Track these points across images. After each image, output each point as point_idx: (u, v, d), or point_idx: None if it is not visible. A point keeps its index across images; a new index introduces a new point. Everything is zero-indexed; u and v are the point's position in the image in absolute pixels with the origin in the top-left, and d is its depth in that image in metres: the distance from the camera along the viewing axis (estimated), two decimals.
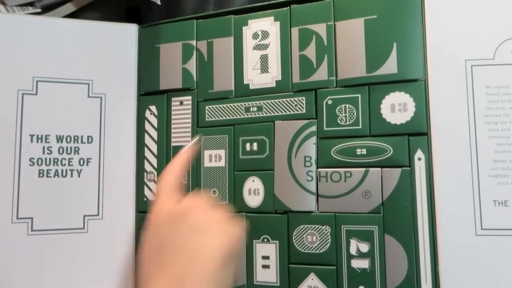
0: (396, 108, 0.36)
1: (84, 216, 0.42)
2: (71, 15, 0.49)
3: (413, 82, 0.36)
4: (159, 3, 0.43)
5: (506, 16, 0.35)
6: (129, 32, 0.45)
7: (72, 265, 0.41)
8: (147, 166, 0.43)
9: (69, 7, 0.48)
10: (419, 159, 0.35)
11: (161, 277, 0.31)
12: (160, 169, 0.43)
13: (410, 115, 0.36)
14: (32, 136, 0.41)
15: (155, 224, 0.34)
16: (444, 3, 0.36)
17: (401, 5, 0.37)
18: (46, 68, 0.42)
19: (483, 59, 0.35)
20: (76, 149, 0.42)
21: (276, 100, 0.40)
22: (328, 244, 0.37)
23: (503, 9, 0.35)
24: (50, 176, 0.41)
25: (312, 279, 0.37)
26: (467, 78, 0.35)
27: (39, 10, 0.48)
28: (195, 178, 0.41)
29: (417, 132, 0.35)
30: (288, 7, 0.40)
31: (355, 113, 0.37)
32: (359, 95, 0.37)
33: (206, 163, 0.41)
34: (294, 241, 0.38)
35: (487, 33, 0.35)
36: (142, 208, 0.43)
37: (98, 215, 0.42)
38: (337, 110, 0.38)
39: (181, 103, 0.43)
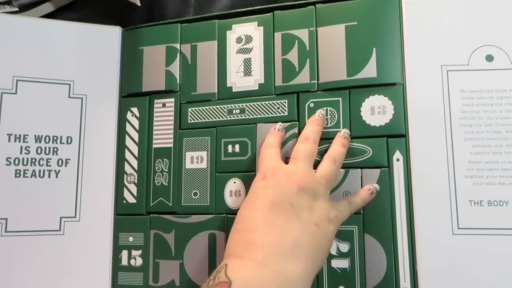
0: (376, 110, 0.37)
1: (61, 217, 0.41)
2: (49, 15, 0.48)
3: (392, 86, 0.37)
4: (139, 4, 0.43)
5: (480, 24, 0.36)
6: (112, 34, 0.45)
7: (47, 267, 0.40)
8: (127, 168, 0.43)
9: (47, 7, 0.48)
10: (398, 160, 0.36)
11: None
12: (140, 171, 0.43)
13: (389, 117, 0.36)
14: (10, 135, 0.41)
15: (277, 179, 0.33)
16: (421, 11, 0.37)
17: (380, 13, 0.38)
18: (26, 68, 0.42)
19: (458, 64, 0.36)
20: (55, 149, 0.42)
21: (259, 103, 0.40)
22: None
23: (477, 17, 0.36)
24: (27, 176, 0.41)
25: None
26: (443, 83, 0.36)
27: (17, 9, 0.47)
28: (176, 179, 0.41)
29: (395, 134, 0.36)
30: (272, 12, 0.41)
31: (336, 116, 0.38)
32: (340, 98, 0.38)
33: (188, 165, 0.41)
34: None
35: (462, 40, 0.36)
36: (121, 211, 0.42)
37: (75, 217, 0.41)
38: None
39: (164, 105, 0.43)
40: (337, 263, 0.36)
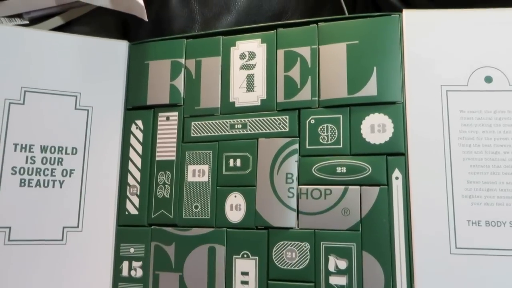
0: (376, 128, 0.37)
1: (64, 227, 0.42)
2: (59, 29, 0.49)
3: (392, 105, 0.37)
4: (146, 19, 0.44)
5: (480, 46, 0.37)
6: (119, 48, 0.46)
7: (49, 277, 0.40)
8: (130, 180, 0.44)
9: (57, 21, 0.49)
10: (397, 178, 0.36)
11: None
12: (143, 183, 0.43)
13: (388, 135, 0.37)
14: (16, 145, 0.41)
15: None
16: (422, 32, 0.38)
17: (381, 33, 0.39)
18: (34, 79, 0.43)
19: (458, 85, 0.36)
20: (60, 160, 0.42)
21: (261, 118, 0.41)
22: (307, 261, 0.37)
23: (477, 39, 0.37)
24: (32, 186, 0.41)
25: None
26: (442, 103, 0.36)
27: (27, 22, 0.49)
28: (178, 192, 0.42)
29: (395, 152, 0.37)
30: (275, 30, 0.42)
31: (336, 133, 0.38)
32: (341, 116, 0.39)
33: (190, 178, 0.42)
34: (273, 257, 0.38)
35: (461, 61, 0.37)
36: (123, 222, 0.43)
37: (77, 227, 0.42)
38: (319, 129, 0.39)
39: (168, 118, 0.44)
40: (335, 280, 0.36)
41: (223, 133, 0.42)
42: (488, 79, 0.36)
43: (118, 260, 0.42)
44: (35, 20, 0.49)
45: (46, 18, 0.49)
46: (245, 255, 0.39)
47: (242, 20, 0.49)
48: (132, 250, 0.42)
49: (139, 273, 0.42)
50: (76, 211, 0.42)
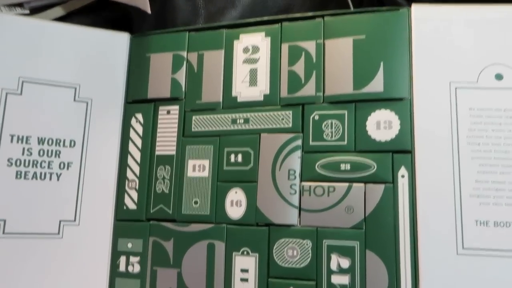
0: (382, 125, 0.36)
1: (60, 221, 0.41)
2: (60, 19, 0.49)
3: (399, 101, 0.36)
4: (149, 11, 0.44)
5: (490, 42, 0.36)
6: (120, 40, 0.45)
7: (44, 271, 0.39)
8: (129, 174, 0.43)
9: (58, 11, 0.48)
10: (403, 176, 0.35)
11: None
12: (142, 177, 0.42)
13: (395, 132, 0.36)
14: (12, 136, 0.40)
15: None
16: (431, 28, 0.37)
17: (389, 27, 0.38)
18: (33, 69, 0.42)
19: (467, 82, 0.35)
20: (58, 152, 0.42)
21: (263, 113, 0.40)
22: (309, 259, 0.36)
23: (487, 36, 0.36)
24: (28, 178, 0.40)
25: None
26: (451, 100, 0.35)
27: (27, 11, 0.48)
28: (177, 187, 0.41)
29: (401, 150, 0.36)
30: (279, 24, 0.41)
31: (341, 129, 0.37)
32: (346, 112, 0.38)
33: (190, 173, 0.41)
34: (274, 254, 0.37)
35: (471, 57, 0.36)
36: (121, 216, 0.42)
37: (74, 220, 0.41)
38: (323, 125, 0.38)
39: (168, 112, 0.43)
40: (337, 279, 0.35)
41: (225, 128, 0.41)
42: (499, 77, 0.35)
43: (115, 255, 0.41)
44: (36, 9, 0.48)
45: (47, 8, 0.48)
46: (245, 252, 0.38)
47: (246, 15, 0.48)
48: (130, 245, 0.41)
49: (136, 268, 0.41)
50: (73, 205, 0.41)
